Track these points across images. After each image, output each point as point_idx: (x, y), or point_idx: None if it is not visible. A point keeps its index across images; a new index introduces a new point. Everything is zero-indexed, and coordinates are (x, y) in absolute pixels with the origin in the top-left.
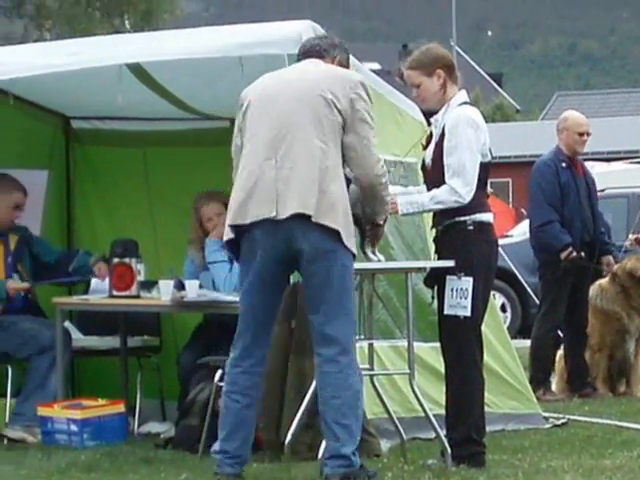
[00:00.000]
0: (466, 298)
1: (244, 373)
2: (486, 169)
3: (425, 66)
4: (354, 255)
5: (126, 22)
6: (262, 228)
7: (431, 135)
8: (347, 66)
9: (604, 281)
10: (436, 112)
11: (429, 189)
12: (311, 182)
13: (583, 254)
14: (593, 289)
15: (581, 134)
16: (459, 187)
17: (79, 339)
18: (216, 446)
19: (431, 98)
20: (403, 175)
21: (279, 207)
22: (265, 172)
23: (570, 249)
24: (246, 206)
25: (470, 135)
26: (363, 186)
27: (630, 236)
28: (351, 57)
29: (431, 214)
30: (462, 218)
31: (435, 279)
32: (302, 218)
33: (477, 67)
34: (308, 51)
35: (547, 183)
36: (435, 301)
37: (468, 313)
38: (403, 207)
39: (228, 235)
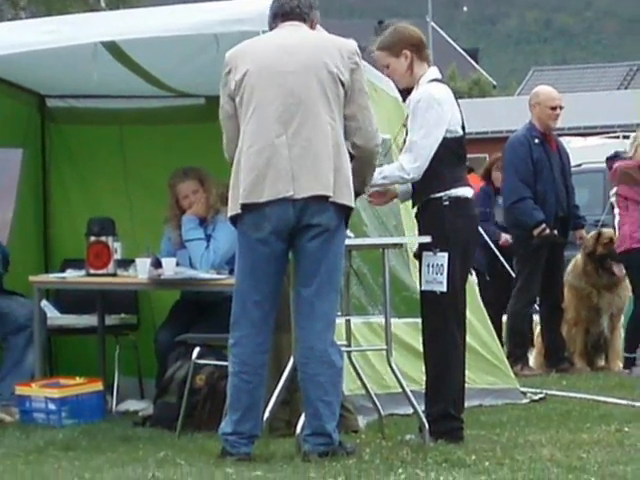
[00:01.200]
0: (441, 274)
1: (255, 352)
2: (460, 144)
3: (392, 47)
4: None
5: (101, 0)
6: (274, 205)
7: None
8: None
9: (579, 257)
10: (411, 90)
11: None
12: (327, 161)
13: (556, 231)
14: (570, 264)
15: (553, 108)
16: (406, 163)
17: (56, 317)
18: (227, 428)
19: (400, 78)
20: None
21: (296, 186)
22: (278, 150)
23: (543, 226)
24: (261, 184)
25: (428, 114)
26: (363, 156)
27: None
28: (324, 33)
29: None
30: (437, 194)
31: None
32: (320, 197)
33: (453, 43)
34: (289, 13)
35: (520, 160)
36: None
37: (444, 288)
38: None
39: (235, 210)
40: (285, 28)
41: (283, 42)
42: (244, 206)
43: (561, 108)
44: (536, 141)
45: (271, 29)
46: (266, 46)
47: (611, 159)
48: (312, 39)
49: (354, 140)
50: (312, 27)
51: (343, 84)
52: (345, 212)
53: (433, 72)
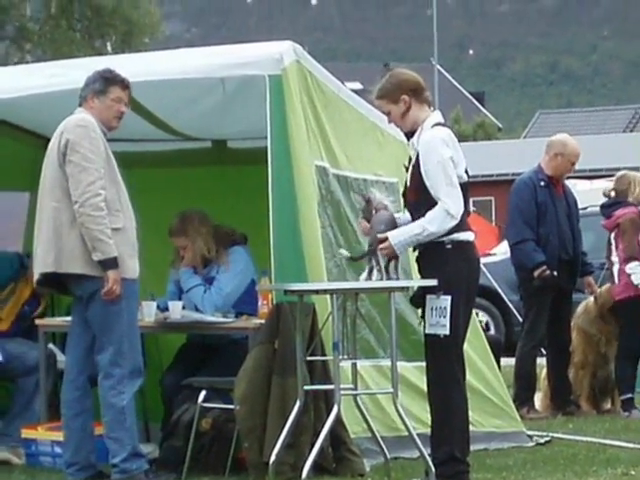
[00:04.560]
0: (445, 317)
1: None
2: (464, 189)
3: (390, 94)
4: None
5: (107, 44)
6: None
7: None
8: (101, 92)
9: (590, 301)
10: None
11: (410, 213)
12: (48, 243)
13: (556, 273)
14: (580, 307)
15: (574, 163)
16: (450, 209)
17: (62, 361)
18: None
19: (402, 123)
20: (386, 195)
21: (34, 266)
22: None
23: (543, 267)
24: None
25: (444, 155)
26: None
27: None
28: (331, 77)
29: None
30: (441, 238)
31: (420, 299)
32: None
33: (459, 86)
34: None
35: (524, 202)
36: (422, 321)
37: (447, 332)
38: (399, 250)
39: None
40: None
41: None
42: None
43: None
44: (542, 184)
45: None
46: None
47: (609, 206)
48: (59, 130)
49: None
50: (87, 105)
51: (63, 165)
52: (92, 278)
53: (436, 116)
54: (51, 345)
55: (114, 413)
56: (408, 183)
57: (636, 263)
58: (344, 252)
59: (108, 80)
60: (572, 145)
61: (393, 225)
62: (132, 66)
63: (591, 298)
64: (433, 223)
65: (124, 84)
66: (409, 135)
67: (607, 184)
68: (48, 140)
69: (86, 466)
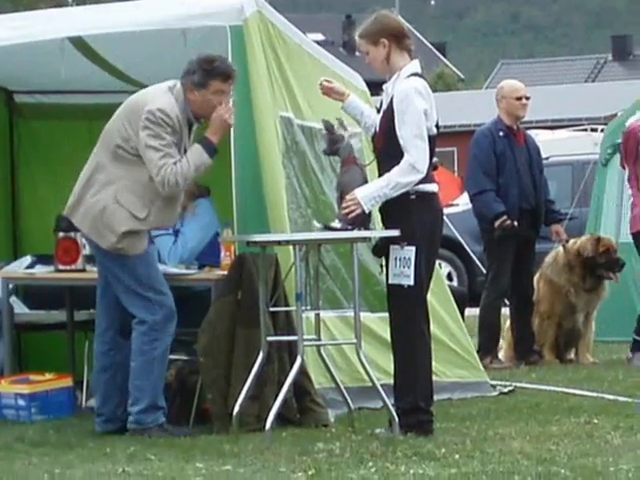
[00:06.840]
0: (409, 267)
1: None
2: (432, 142)
3: (370, 35)
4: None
5: None
6: None
7: (382, 103)
8: (200, 85)
9: (560, 250)
10: (385, 81)
11: (378, 158)
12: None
13: (516, 223)
14: (549, 256)
15: (519, 98)
16: (416, 163)
17: (25, 314)
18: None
19: (377, 66)
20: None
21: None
22: None
23: (504, 217)
24: None
25: (415, 109)
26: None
27: None
28: (293, 28)
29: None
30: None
31: (383, 249)
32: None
33: (420, 36)
34: None
35: (482, 152)
36: (384, 271)
37: (411, 282)
38: (367, 205)
39: None
40: None
41: None
42: None
43: (527, 98)
44: (500, 134)
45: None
46: None
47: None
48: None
49: None
50: (187, 94)
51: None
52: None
53: (414, 65)
54: (13, 298)
55: (143, 361)
56: (377, 128)
57: None
58: (317, 224)
59: (207, 73)
60: (507, 84)
61: (364, 181)
62: (93, 18)
63: (560, 248)
64: (399, 176)
65: (225, 75)
66: (370, 84)
67: (569, 134)
68: (9, 93)
69: (112, 418)
